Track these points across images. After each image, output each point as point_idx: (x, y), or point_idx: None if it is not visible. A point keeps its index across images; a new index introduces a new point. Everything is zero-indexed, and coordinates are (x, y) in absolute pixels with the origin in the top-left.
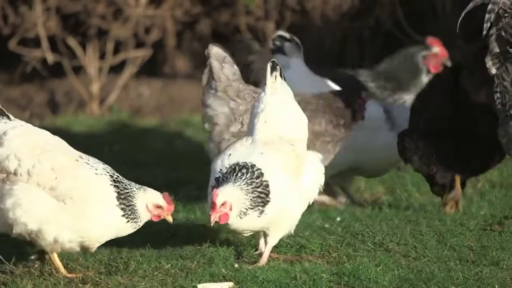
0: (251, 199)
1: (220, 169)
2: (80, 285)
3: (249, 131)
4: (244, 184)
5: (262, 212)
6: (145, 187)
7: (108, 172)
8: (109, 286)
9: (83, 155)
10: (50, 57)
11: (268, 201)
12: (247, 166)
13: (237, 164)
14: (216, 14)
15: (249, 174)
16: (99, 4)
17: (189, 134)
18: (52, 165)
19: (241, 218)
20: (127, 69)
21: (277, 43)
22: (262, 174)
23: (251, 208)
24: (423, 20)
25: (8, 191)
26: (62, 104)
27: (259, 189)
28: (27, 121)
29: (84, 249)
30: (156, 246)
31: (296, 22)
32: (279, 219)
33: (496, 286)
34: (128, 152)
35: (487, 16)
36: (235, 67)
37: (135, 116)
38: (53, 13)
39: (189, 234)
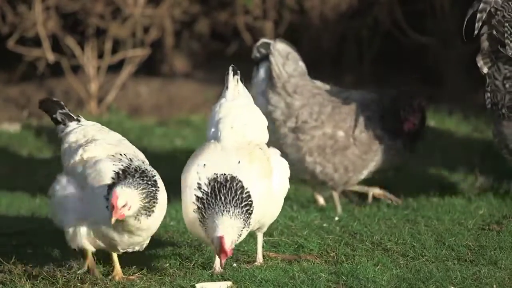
0: (242, 220)
1: (199, 185)
2: (79, 284)
3: (212, 137)
4: (235, 208)
5: (249, 224)
6: (127, 182)
7: (125, 165)
8: (108, 285)
9: (129, 154)
10: (51, 57)
11: (251, 211)
12: (228, 181)
13: (217, 179)
14: (215, 13)
15: (233, 193)
16: (97, 4)
17: (187, 133)
18: (83, 155)
19: (238, 239)
20: (125, 69)
21: (263, 50)
22: (243, 187)
23: (243, 227)
24: (422, 19)
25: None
26: None
27: (245, 207)
28: (25, 120)
29: (110, 246)
30: (154, 246)
31: (294, 21)
32: (263, 222)
33: (494, 286)
34: None
35: (478, 15)
36: (300, 63)
37: (134, 115)
38: (52, 13)
39: (187, 234)
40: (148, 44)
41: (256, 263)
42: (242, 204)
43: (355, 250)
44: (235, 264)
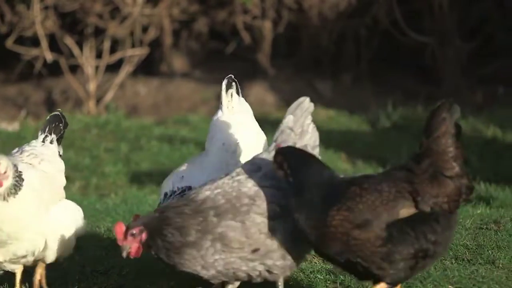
0: None
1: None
2: (76, 284)
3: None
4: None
5: None
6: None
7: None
8: (105, 285)
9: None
10: (49, 56)
11: None
12: None
13: None
14: (213, 12)
15: None
16: (96, 3)
17: (185, 132)
18: None
19: None
20: (124, 68)
21: None
22: None
23: None
24: (420, 18)
25: None
26: (59, 102)
27: None
28: (22, 120)
29: None
30: None
31: (293, 20)
32: None
33: (492, 285)
34: (124, 150)
35: None
36: None
37: (132, 114)
38: (51, 12)
39: None
40: (146, 44)
41: None
42: None
43: None
44: None
